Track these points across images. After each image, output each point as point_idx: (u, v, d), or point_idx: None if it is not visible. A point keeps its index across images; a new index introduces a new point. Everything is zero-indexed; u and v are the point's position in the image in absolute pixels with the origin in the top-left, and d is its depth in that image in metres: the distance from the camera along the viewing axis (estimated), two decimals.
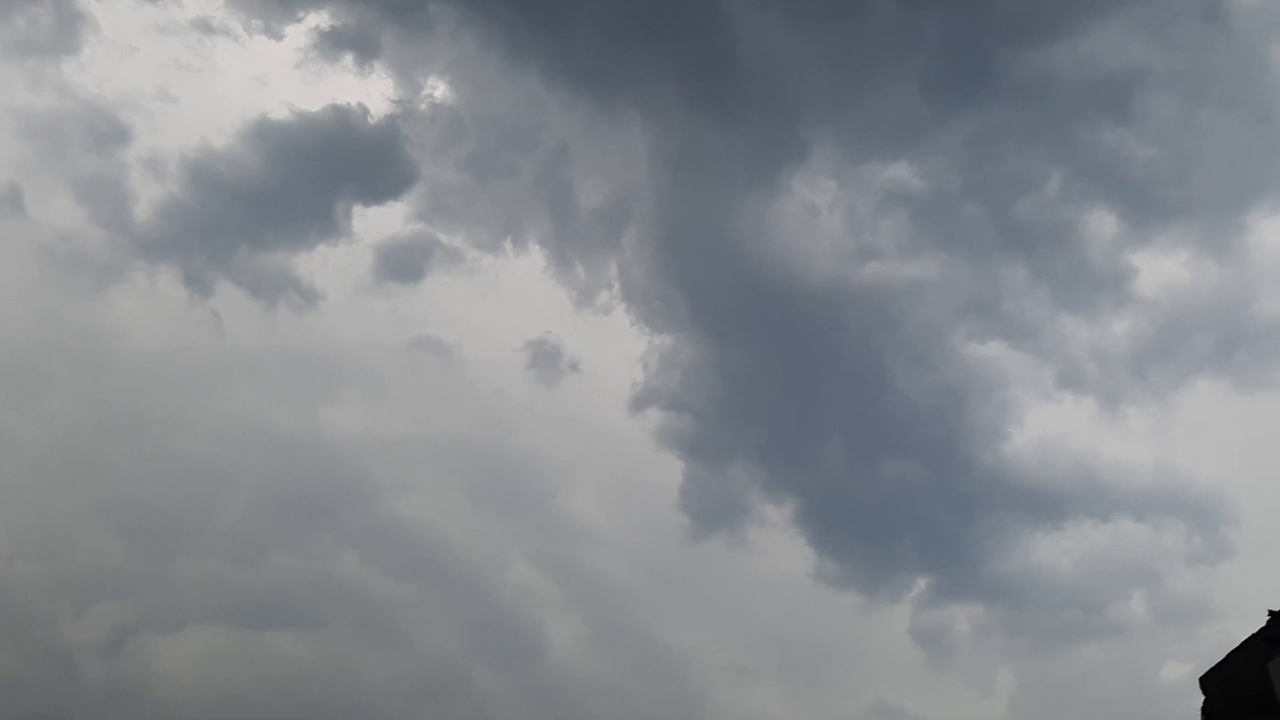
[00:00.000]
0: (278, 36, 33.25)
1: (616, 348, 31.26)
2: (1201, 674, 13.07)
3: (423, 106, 30.30)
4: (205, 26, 34.03)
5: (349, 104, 31.85)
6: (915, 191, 25.45)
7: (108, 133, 32.88)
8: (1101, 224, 24.42)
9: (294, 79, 41.39)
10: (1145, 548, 25.10)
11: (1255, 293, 24.59)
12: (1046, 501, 25.54)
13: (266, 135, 32.37)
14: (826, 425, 26.61)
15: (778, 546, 27.53)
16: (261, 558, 29.56)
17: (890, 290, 25.76)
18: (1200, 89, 23.20)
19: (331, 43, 31.29)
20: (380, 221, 38.02)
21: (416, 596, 29.18)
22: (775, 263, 26.49)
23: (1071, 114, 24.08)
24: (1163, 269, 24.20)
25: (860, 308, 25.61)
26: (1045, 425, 25.32)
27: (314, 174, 31.71)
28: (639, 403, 27.46)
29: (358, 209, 31.22)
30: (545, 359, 31.16)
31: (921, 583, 25.71)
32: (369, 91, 39.48)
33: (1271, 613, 11.14)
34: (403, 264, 33.37)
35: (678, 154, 26.84)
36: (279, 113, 36.36)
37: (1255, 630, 11.81)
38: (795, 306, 26.39)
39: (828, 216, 26.82)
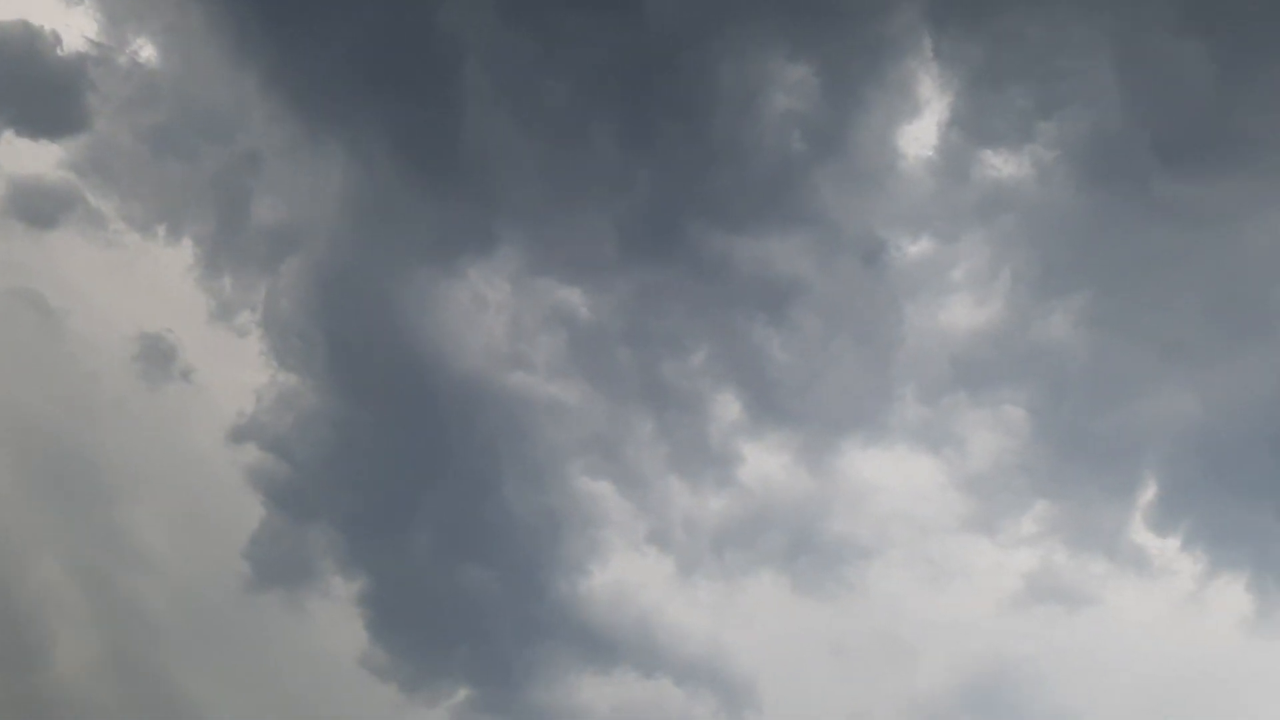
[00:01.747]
0: None
1: (238, 373, 29.85)
2: None
3: (122, 60, 28.47)
4: None
5: (43, 27, 29.81)
6: (580, 320, 26.34)
7: None
8: (728, 407, 26.29)
9: None
10: (677, 711, 26.48)
11: (830, 510, 27.42)
12: (604, 644, 26.21)
13: None
14: (424, 514, 26.36)
15: (333, 621, 26.76)
16: None
17: (527, 403, 26.37)
18: (842, 320, 25.73)
19: None
20: (28, 156, 35.09)
21: None
22: (428, 341, 26.30)
23: (734, 301, 25.90)
24: (765, 464, 26.42)
25: (495, 411, 26.04)
26: (625, 573, 26.83)
27: None
28: (240, 434, 26.01)
29: (8, 134, 29.08)
30: (156, 357, 28.68)
31: (463, 693, 25.76)
32: (69, 23, 36.75)
33: None
34: (35, 207, 30.73)
35: (369, 204, 26.34)
36: None
37: None
38: (433, 389, 26.28)
39: (493, 315, 27.16)
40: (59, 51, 32.37)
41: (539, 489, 26.70)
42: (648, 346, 26.34)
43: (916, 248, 25.84)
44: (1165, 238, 23.94)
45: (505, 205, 27.83)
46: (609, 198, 26.40)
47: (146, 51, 33.21)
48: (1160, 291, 24.66)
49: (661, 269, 26.81)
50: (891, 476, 28.97)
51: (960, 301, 26.26)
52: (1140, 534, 25.18)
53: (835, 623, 28.65)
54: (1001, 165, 24.58)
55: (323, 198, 30.72)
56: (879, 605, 27.43)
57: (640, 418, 26.91)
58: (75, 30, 37.99)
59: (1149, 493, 24.68)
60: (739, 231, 26.34)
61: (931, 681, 26.75)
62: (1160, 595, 27.85)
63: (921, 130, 31.86)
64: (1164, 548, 25.09)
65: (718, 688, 27.47)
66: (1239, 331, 23.82)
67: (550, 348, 26.63)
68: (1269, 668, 25.05)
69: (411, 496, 29.12)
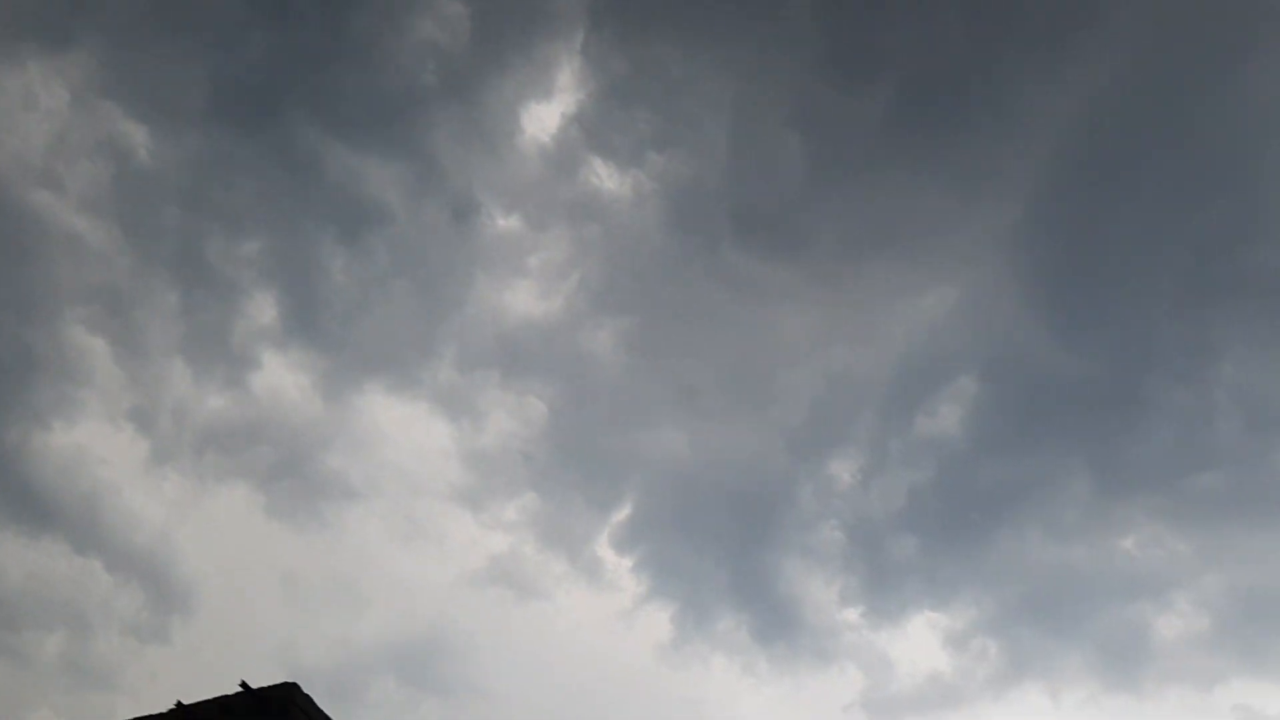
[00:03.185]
0: None
1: None
2: None
3: None
4: None
5: None
6: (137, 160, 22.84)
7: None
8: (264, 308, 23.21)
9: None
10: (99, 596, 25.41)
11: (331, 444, 26.01)
12: (40, 507, 24.13)
13: None
14: None
15: None
16: None
17: (44, 228, 23.97)
18: (413, 264, 25.58)
19: None
20: None
21: None
22: None
23: (312, 205, 24.76)
24: (281, 379, 24.57)
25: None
26: (92, 441, 25.05)
27: None
28: None
29: None
30: None
31: None
32: None
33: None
34: None
35: None
36: None
37: None
38: None
39: (39, 119, 24.31)
40: None
41: (23, 321, 23.60)
42: (202, 216, 24.20)
43: (506, 223, 26.12)
44: (716, 295, 26.03)
45: (92, 4, 24.34)
46: (215, 46, 24.03)
47: None
48: (695, 340, 26.84)
49: (247, 143, 24.81)
50: (403, 430, 28.76)
51: (527, 288, 26.87)
52: (604, 548, 27.31)
53: (298, 553, 27.90)
54: (606, 178, 25.50)
55: None
56: (347, 549, 27.07)
57: (166, 287, 24.59)
58: None
59: (623, 513, 26.48)
60: (341, 137, 25.09)
61: (371, 632, 26.90)
62: (602, 606, 30.37)
63: (547, 114, 32.68)
64: (619, 565, 27.42)
65: (152, 584, 25.83)
66: (742, 399, 26.50)
67: (91, 178, 23.67)
68: (669, 691, 28.11)
69: None
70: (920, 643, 28.45)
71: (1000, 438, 24.54)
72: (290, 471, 25.32)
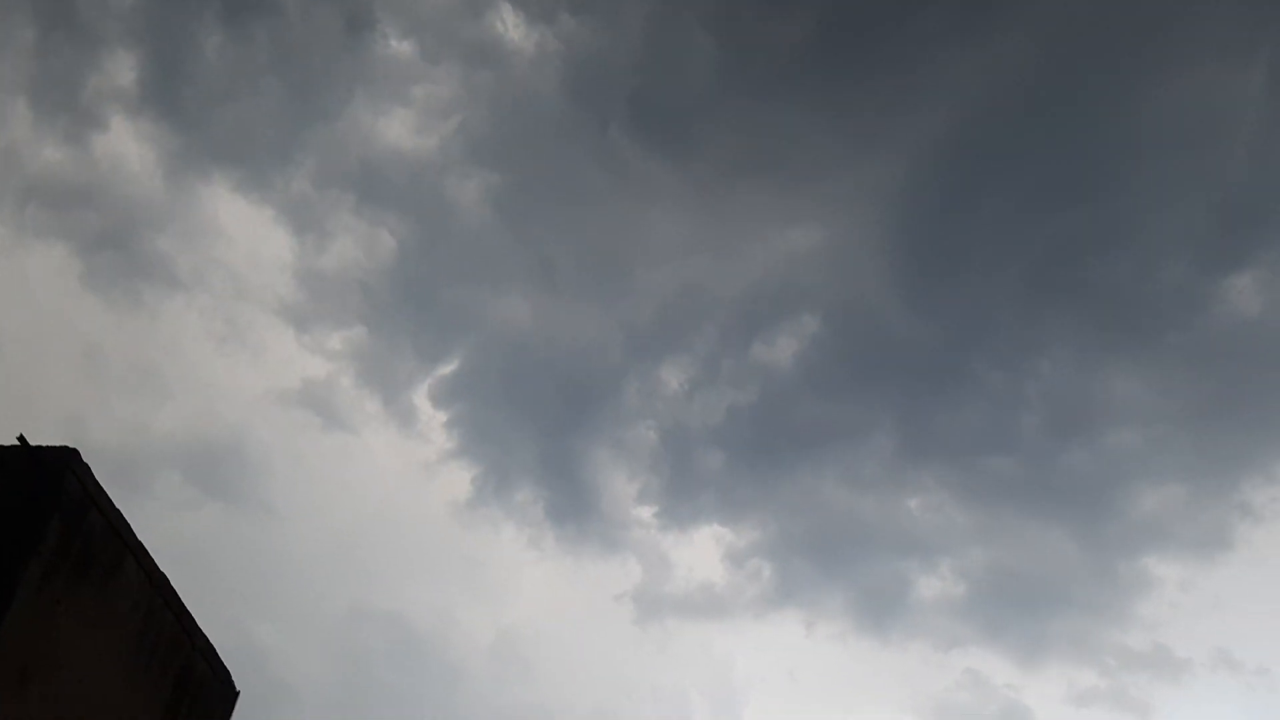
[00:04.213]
0: None
1: None
2: None
3: None
4: None
5: None
6: None
7: None
8: None
9: None
10: None
11: None
12: None
13: None
14: None
15: None
16: None
17: None
18: None
19: None
20: None
21: None
22: None
23: None
24: None
25: None
26: None
27: None
28: None
29: None
30: None
31: None
32: None
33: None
34: None
35: None
36: None
37: None
38: None
39: None
40: None
41: None
42: None
43: (398, 47, 24.47)
44: (595, 177, 25.28)
45: None
46: None
47: None
48: (562, 216, 26.05)
49: None
50: (243, 231, 26.98)
51: (404, 119, 25.97)
52: (421, 398, 27.04)
53: (105, 331, 26.02)
54: (512, 27, 24.13)
55: None
56: (159, 337, 25.62)
57: (26, 21, 22.44)
58: None
59: (449, 368, 26.27)
60: None
61: (166, 427, 25.69)
62: (408, 454, 30.30)
63: None
64: (433, 418, 27.28)
65: None
66: (595, 285, 26.39)
67: None
68: (455, 547, 28.49)
69: None
70: (702, 552, 29.76)
71: (825, 380, 25.41)
72: (115, 245, 23.94)
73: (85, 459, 5.22)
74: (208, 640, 6.40)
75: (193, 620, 6.20)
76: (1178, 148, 22.50)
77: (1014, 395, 24.06)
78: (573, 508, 26.30)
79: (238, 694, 6.81)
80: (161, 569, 5.82)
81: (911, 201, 24.27)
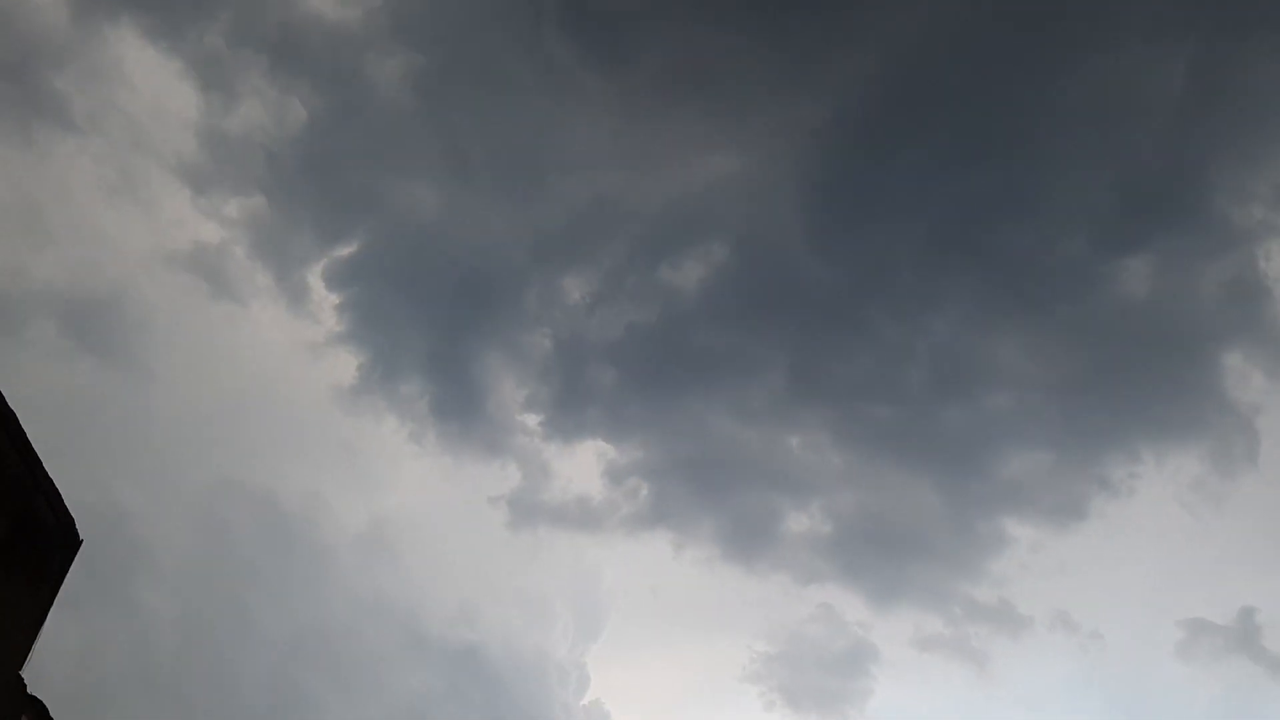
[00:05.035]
0: None
1: None
2: None
3: None
4: None
5: None
6: None
7: None
8: None
9: None
10: None
11: None
12: None
13: None
14: None
15: None
16: None
17: None
18: None
19: None
20: None
21: None
22: None
23: None
24: None
25: None
26: None
27: None
28: None
29: None
30: None
31: None
32: None
33: None
34: None
35: None
36: None
37: None
38: None
39: None
40: None
41: None
42: None
43: None
44: (523, 73, 24.63)
45: None
46: None
47: None
48: (484, 109, 25.13)
49: None
50: (147, 80, 25.63)
51: None
52: (315, 276, 26.13)
53: None
54: None
55: None
56: (47, 180, 24.38)
57: None
58: None
59: (347, 250, 25.44)
60: None
61: (45, 273, 24.54)
62: (296, 332, 29.43)
63: None
64: (325, 299, 26.42)
65: None
66: (509, 185, 25.84)
67: None
68: (335, 432, 28.14)
69: None
70: (582, 466, 29.90)
71: (726, 310, 25.52)
72: (9, 77, 22.55)
73: None
74: (53, 485, 6.15)
75: (39, 462, 5.94)
76: (1094, 123, 23.04)
77: (904, 348, 24.60)
78: (458, 406, 26.12)
79: (80, 543, 6.58)
80: (11, 407, 5.55)
81: (832, 144, 24.35)
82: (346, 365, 26.89)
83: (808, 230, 24.79)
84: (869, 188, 24.29)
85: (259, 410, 28.50)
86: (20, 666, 6.15)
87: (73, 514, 6.40)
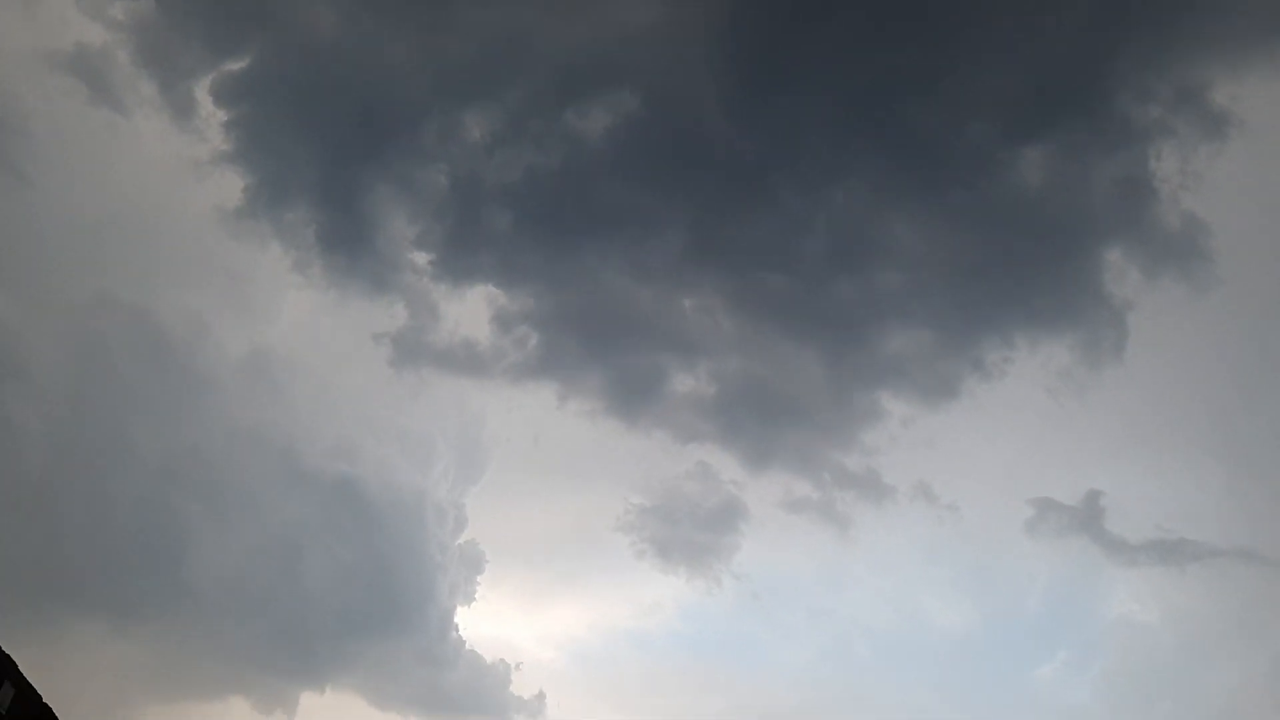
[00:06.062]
0: None
1: None
2: None
3: None
4: None
5: None
6: None
7: None
8: None
9: None
10: None
11: None
12: None
13: None
14: None
15: None
16: None
17: None
18: None
19: None
20: None
21: None
22: None
23: None
24: None
25: None
26: None
27: None
28: None
29: None
30: None
31: None
32: None
33: None
34: None
35: None
36: None
37: None
38: None
39: None
40: None
41: None
42: None
43: None
44: None
45: None
46: None
47: None
48: None
49: None
50: None
51: None
52: (204, 90, 24.28)
53: None
54: None
55: None
56: None
57: None
58: None
59: (240, 64, 24.00)
60: None
61: None
62: (178, 148, 27.52)
63: None
64: (213, 115, 24.37)
65: None
66: (424, 13, 24.63)
67: None
68: (214, 255, 27.26)
69: None
70: (471, 309, 29.53)
71: (631, 163, 25.03)
72: None
73: None
74: None
75: None
76: (1011, 9, 22.87)
77: (804, 219, 24.65)
78: (346, 238, 25.26)
79: None
80: None
81: (751, 8, 23.70)
82: (232, 186, 25.63)
83: (720, 92, 24.29)
84: (785, 56, 23.77)
85: (139, 226, 27.34)
86: None
87: None
